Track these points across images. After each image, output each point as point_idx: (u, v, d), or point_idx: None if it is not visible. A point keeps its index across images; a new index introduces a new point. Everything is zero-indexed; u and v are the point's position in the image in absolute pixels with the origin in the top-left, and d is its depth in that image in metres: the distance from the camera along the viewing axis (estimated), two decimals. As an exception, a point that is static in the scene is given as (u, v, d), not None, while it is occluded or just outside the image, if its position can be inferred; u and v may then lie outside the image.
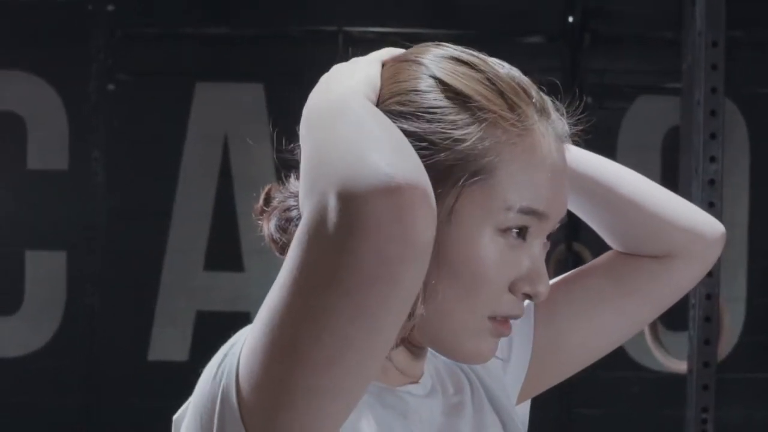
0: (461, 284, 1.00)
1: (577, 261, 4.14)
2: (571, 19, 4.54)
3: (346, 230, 0.83)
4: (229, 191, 4.61)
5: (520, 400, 1.23)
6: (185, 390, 0.99)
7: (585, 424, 4.58)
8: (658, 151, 4.55)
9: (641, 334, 3.19)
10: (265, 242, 1.08)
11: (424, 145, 0.98)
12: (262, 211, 1.09)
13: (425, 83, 1.02)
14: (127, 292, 4.60)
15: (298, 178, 1.02)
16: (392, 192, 0.83)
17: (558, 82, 1.13)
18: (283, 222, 1.06)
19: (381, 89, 1.02)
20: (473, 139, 0.99)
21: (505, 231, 1.00)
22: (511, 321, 1.04)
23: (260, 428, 0.89)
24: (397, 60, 1.06)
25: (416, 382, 1.08)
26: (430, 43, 1.07)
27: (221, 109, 4.61)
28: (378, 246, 0.83)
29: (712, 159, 2.46)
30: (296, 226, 0.94)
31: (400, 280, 0.84)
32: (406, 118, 1.00)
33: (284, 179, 1.08)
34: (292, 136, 1.03)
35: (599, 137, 1.19)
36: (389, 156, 0.85)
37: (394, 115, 1.00)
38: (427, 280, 0.98)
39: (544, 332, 1.21)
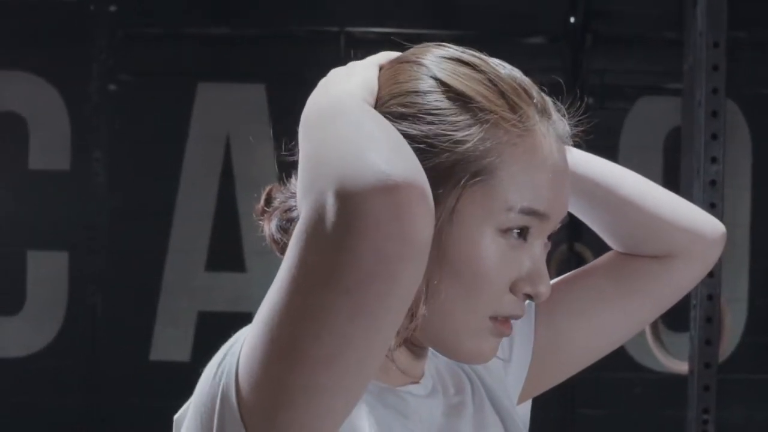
0: (462, 284, 1.00)
1: (578, 262, 4.14)
2: (572, 19, 4.54)
3: (344, 228, 0.83)
4: (230, 191, 4.61)
5: (521, 400, 1.23)
6: (187, 390, 0.99)
7: (587, 425, 4.58)
8: (660, 152, 4.55)
9: (643, 334, 3.20)
10: (266, 243, 1.08)
11: (425, 146, 0.99)
12: (263, 212, 1.09)
13: (426, 84, 1.02)
14: (129, 293, 4.60)
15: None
16: (390, 190, 0.83)
17: (561, 81, 1.13)
18: (284, 222, 1.06)
19: (381, 90, 1.03)
20: (475, 140, 0.99)
21: (506, 231, 1.00)
22: (512, 321, 1.05)
23: (260, 427, 0.89)
24: (397, 61, 1.06)
25: (417, 382, 1.08)
26: (430, 44, 1.07)
27: (223, 109, 4.61)
28: (376, 244, 0.83)
29: (714, 160, 2.46)
30: (298, 226, 0.94)
31: (399, 278, 0.84)
32: (407, 120, 1.00)
33: (285, 179, 1.08)
34: (294, 136, 1.03)
35: (601, 138, 1.19)
36: (387, 155, 0.86)
37: (395, 116, 1.00)
38: (430, 280, 0.99)
39: (545, 332, 1.21)
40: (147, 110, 4.61)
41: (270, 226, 1.07)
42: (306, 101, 0.98)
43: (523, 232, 1.01)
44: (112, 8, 4.58)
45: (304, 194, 0.88)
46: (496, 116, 1.00)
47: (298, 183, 0.92)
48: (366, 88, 1.00)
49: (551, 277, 1.08)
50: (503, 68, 1.05)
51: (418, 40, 1.10)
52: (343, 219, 0.84)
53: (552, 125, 1.04)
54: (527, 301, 1.05)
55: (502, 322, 1.03)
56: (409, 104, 1.01)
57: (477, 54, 1.06)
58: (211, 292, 4.61)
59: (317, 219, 0.85)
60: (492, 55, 1.07)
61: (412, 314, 0.99)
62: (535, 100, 1.03)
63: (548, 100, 1.06)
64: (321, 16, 4.58)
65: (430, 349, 1.08)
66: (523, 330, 1.20)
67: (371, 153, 0.86)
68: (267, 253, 1.08)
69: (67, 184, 4.62)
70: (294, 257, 0.86)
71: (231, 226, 4.57)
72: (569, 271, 1.26)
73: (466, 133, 0.99)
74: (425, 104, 1.01)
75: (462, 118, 1.00)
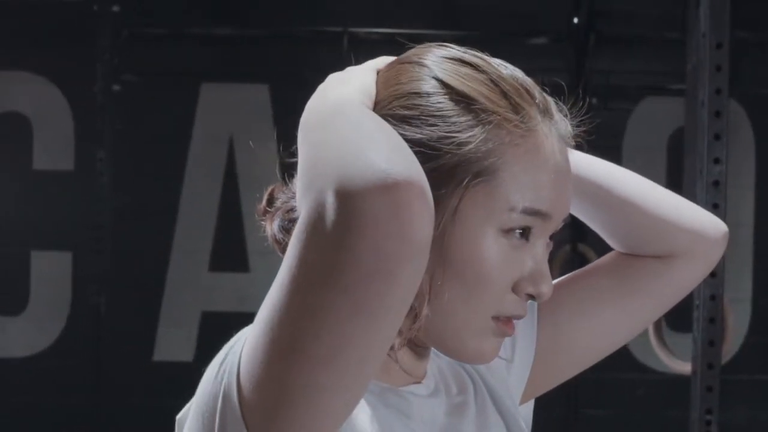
0: (464, 284, 1.00)
1: (582, 262, 4.14)
2: (576, 20, 4.54)
3: (343, 227, 0.83)
4: (234, 192, 4.62)
5: (523, 400, 1.23)
6: (190, 390, 0.99)
7: (590, 425, 4.58)
8: (664, 153, 4.55)
9: (646, 335, 3.20)
10: (268, 243, 1.08)
11: (428, 147, 0.99)
12: (265, 212, 1.09)
13: (428, 85, 1.02)
14: (133, 293, 4.61)
15: (299, 179, 1.02)
16: (389, 189, 0.83)
17: (563, 83, 1.13)
18: (286, 223, 1.06)
19: (382, 91, 1.03)
20: (477, 141, 0.99)
21: (508, 231, 1.01)
22: (515, 321, 1.05)
23: (261, 426, 0.89)
24: (399, 61, 1.06)
25: (419, 382, 1.08)
26: (432, 44, 1.07)
27: (226, 109, 4.62)
28: (376, 243, 0.83)
29: (717, 160, 2.46)
30: (299, 226, 0.94)
31: (398, 277, 0.84)
32: (409, 122, 1.00)
33: (287, 180, 1.09)
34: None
35: (604, 138, 1.20)
36: (387, 154, 0.86)
37: (397, 119, 1.00)
38: (433, 280, 0.99)
39: (547, 332, 1.21)
40: (151, 111, 4.61)
41: (272, 227, 1.07)
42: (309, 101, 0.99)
43: (525, 232, 1.01)
44: (116, 9, 4.58)
45: (303, 193, 0.89)
46: (498, 117, 1.00)
47: (298, 183, 0.93)
48: (364, 93, 1.00)
49: (554, 277, 1.08)
50: (505, 68, 1.05)
51: (420, 40, 1.10)
52: (342, 217, 0.84)
53: (554, 125, 1.04)
54: (529, 301, 1.05)
55: (504, 322, 1.03)
56: (411, 106, 1.01)
57: (479, 54, 1.06)
58: (214, 292, 4.62)
59: (316, 218, 0.85)
60: (495, 55, 1.07)
61: (415, 314, 1.00)
62: (537, 101, 1.03)
63: (550, 100, 1.06)
64: (325, 16, 4.59)
65: (433, 349, 1.08)
66: (525, 330, 1.20)
67: (371, 152, 0.86)
68: (270, 253, 1.08)
69: (71, 184, 4.63)
70: (293, 256, 0.87)
71: (234, 227, 4.58)
72: (572, 271, 1.26)
73: (469, 134, 1.00)
74: (428, 106, 1.01)
75: (464, 119, 1.00)
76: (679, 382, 3.14)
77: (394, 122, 0.99)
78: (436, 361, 1.13)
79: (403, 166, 0.85)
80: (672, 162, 4.41)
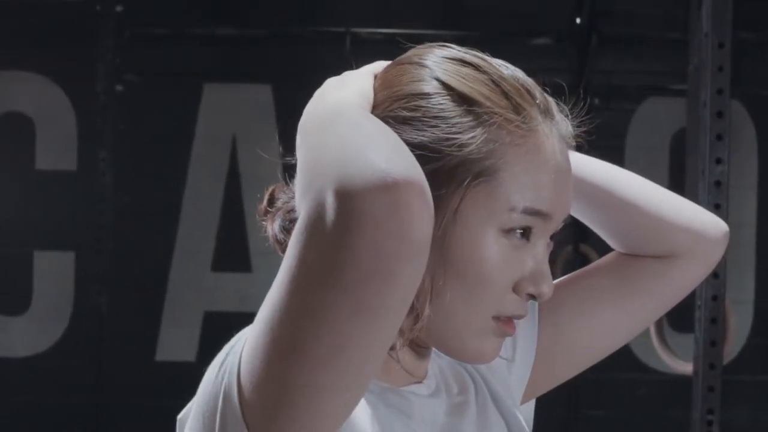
0: (465, 284, 1.00)
1: (583, 263, 4.14)
2: (578, 20, 4.54)
3: (343, 227, 0.84)
4: (236, 192, 4.62)
5: (524, 400, 1.23)
6: (192, 390, 0.99)
7: (591, 425, 4.58)
8: (666, 153, 4.55)
9: (647, 335, 3.20)
10: (270, 243, 1.09)
11: (429, 150, 0.99)
12: (266, 212, 1.09)
13: (429, 86, 1.02)
14: (135, 293, 4.61)
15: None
16: (389, 188, 0.83)
17: (565, 83, 1.13)
18: (287, 223, 1.07)
19: (382, 92, 1.03)
20: (478, 142, 1.00)
21: (508, 232, 1.01)
22: (516, 321, 1.05)
23: (261, 426, 0.89)
24: (399, 62, 1.07)
25: (420, 382, 1.08)
26: (433, 44, 1.07)
27: (229, 109, 4.62)
28: (375, 242, 0.83)
29: (719, 161, 2.46)
30: (300, 226, 0.95)
31: (398, 276, 0.84)
32: (410, 124, 1.01)
33: (289, 180, 1.09)
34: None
35: (607, 139, 1.20)
36: (386, 154, 0.86)
37: (398, 120, 1.00)
38: (434, 280, 0.99)
39: (548, 332, 1.22)
40: (153, 111, 4.62)
41: (273, 227, 1.08)
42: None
43: (526, 232, 1.02)
44: (119, 9, 4.59)
45: (303, 194, 0.89)
46: (499, 118, 1.01)
47: (297, 183, 0.93)
48: (362, 96, 1.00)
49: (555, 278, 1.09)
50: (506, 69, 1.05)
51: (423, 40, 1.10)
52: (342, 217, 0.84)
53: (555, 126, 1.04)
54: (530, 301, 1.05)
55: (505, 322, 1.04)
56: (413, 107, 1.02)
57: (479, 54, 1.06)
58: (217, 292, 4.62)
59: (316, 217, 0.85)
60: (496, 55, 1.07)
61: (417, 315, 1.00)
62: (538, 101, 1.04)
63: (551, 100, 1.06)
64: (327, 17, 4.59)
65: (434, 348, 1.09)
66: (526, 330, 1.20)
67: (370, 152, 0.86)
68: (273, 253, 1.09)
69: (74, 184, 4.64)
70: (293, 256, 0.87)
71: (237, 227, 4.58)
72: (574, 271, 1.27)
73: (470, 135, 1.00)
74: (429, 107, 1.01)
75: (466, 120, 1.01)
76: (681, 382, 3.14)
77: (395, 124, 0.99)
78: (437, 361, 1.13)
79: (403, 166, 0.85)
80: (674, 162, 4.41)
